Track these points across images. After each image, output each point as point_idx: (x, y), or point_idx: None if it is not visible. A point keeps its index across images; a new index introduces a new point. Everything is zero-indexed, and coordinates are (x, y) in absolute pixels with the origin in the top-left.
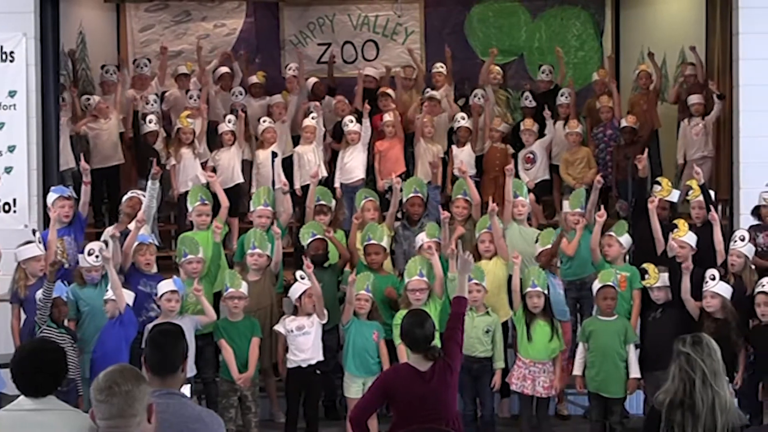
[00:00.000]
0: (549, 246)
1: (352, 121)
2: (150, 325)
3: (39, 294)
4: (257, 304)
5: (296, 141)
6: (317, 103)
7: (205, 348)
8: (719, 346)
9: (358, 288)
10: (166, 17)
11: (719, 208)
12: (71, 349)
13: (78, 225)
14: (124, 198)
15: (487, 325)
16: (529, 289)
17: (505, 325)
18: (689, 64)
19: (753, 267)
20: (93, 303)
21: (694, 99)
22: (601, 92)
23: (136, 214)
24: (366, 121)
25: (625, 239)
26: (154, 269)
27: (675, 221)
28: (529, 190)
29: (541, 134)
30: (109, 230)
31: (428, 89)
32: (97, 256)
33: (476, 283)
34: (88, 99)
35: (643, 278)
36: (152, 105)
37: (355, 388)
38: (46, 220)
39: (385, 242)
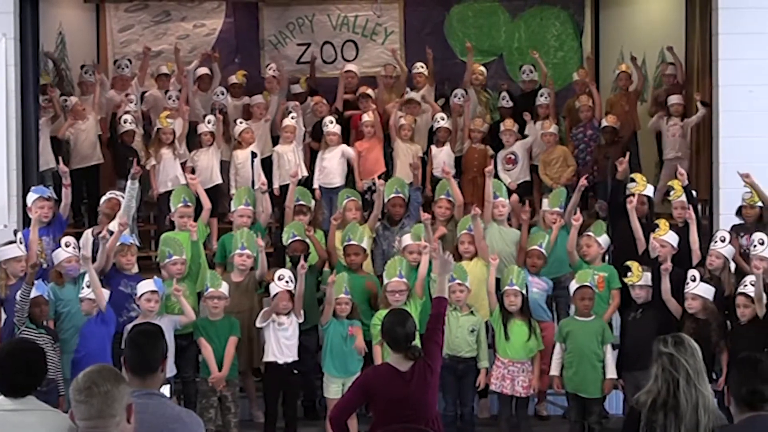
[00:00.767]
0: (535, 247)
1: (332, 122)
2: (129, 326)
3: (18, 295)
4: (238, 305)
5: (276, 141)
6: (297, 103)
7: (187, 348)
8: (699, 347)
9: (336, 292)
10: (146, 17)
11: (698, 207)
12: (51, 350)
13: (58, 226)
14: (103, 199)
15: (472, 324)
16: (506, 288)
17: (486, 325)
18: (669, 64)
19: (732, 269)
20: (71, 302)
21: (674, 99)
22: (581, 92)
23: (115, 214)
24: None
25: (604, 239)
26: (135, 269)
27: (656, 221)
28: (513, 191)
29: (521, 135)
30: (88, 233)
31: (409, 89)
32: (74, 248)
33: (459, 283)
34: (66, 100)
35: (625, 275)
36: (132, 105)
37: (334, 389)
38: (26, 220)
39: (365, 243)
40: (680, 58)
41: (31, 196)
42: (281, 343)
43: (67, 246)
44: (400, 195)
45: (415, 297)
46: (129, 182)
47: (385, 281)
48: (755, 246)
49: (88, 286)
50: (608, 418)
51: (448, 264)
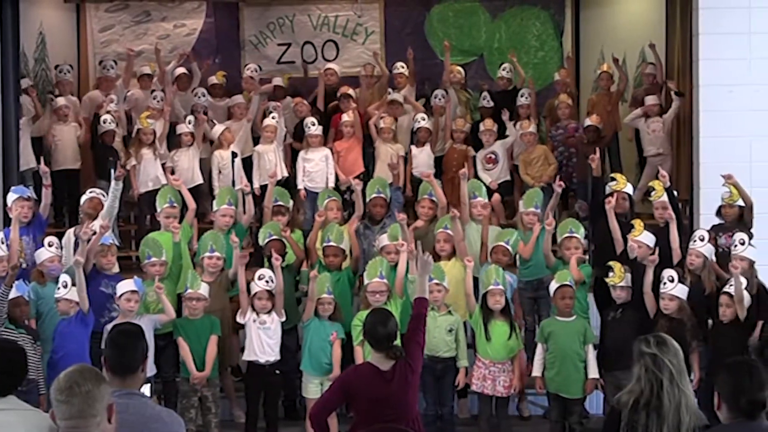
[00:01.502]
0: (500, 243)
1: (314, 124)
2: (109, 326)
3: None
4: (210, 306)
5: (257, 141)
6: (278, 103)
7: (167, 347)
8: None
9: (319, 291)
10: (126, 17)
11: (679, 207)
12: (31, 350)
13: (38, 226)
14: (84, 198)
15: (450, 324)
16: (491, 287)
17: (465, 324)
18: (649, 63)
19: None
20: (53, 302)
21: (650, 100)
22: (562, 92)
23: (97, 214)
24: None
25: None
26: (116, 269)
27: (632, 221)
28: (494, 191)
29: (500, 134)
30: (71, 233)
31: (390, 90)
32: (57, 247)
33: (437, 283)
34: (53, 99)
35: (607, 276)
36: (113, 105)
37: (312, 388)
38: (6, 220)
39: (344, 244)
40: (660, 57)
41: (11, 196)
42: (263, 342)
43: (50, 246)
44: (382, 195)
45: (395, 297)
46: (113, 183)
47: (366, 281)
48: (736, 246)
49: (65, 287)
50: (589, 417)
51: (428, 265)
